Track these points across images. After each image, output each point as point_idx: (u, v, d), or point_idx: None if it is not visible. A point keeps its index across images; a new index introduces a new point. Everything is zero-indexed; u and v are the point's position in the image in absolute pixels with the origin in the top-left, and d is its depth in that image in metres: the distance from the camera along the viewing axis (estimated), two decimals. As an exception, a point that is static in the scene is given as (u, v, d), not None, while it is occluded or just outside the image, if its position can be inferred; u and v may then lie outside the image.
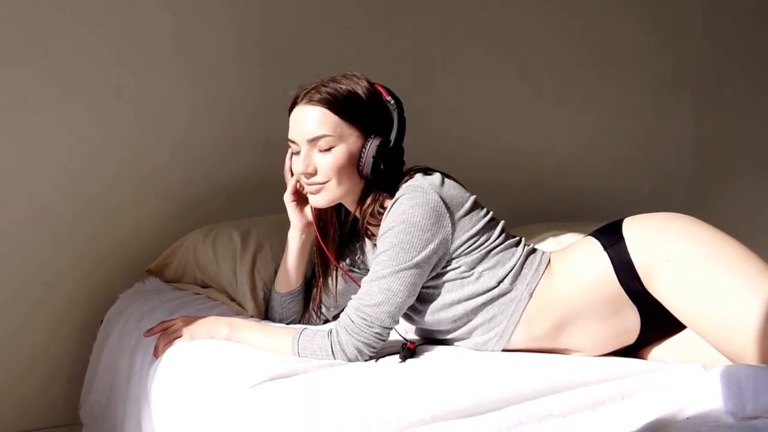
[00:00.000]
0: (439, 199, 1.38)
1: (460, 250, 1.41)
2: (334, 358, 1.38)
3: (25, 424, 2.03)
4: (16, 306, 2.00)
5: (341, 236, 1.62)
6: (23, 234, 1.98)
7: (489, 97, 2.55)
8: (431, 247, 1.38)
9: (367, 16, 2.35)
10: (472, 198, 1.46)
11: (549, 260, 1.46)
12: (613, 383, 1.23)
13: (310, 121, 1.45)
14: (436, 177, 1.44)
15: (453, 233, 1.40)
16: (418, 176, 1.44)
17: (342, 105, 1.44)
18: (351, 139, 1.45)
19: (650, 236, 1.36)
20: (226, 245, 1.84)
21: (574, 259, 1.43)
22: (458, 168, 2.39)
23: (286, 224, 1.66)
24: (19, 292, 2.00)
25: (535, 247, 1.53)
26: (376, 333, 1.37)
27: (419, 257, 1.37)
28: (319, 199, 1.50)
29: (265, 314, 1.73)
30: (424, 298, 1.44)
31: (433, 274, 1.42)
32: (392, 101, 1.49)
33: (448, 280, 1.43)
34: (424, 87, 2.41)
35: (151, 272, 2.01)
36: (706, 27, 2.96)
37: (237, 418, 1.22)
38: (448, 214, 1.39)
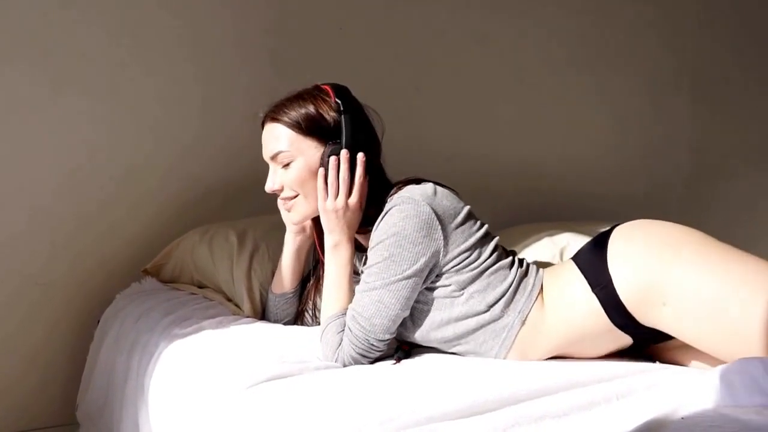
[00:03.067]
0: (431, 211, 1.36)
1: (450, 265, 1.39)
2: (333, 359, 1.38)
3: (23, 425, 2.03)
4: (13, 306, 2.00)
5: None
6: (20, 235, 1.98)
7: (485, 98, 2.55)
8: (423, 260, 1.36)
9: (363, 17, 2.35)
10: (466, 209, 1.43)
11: (542, 282, 1.42)
12: (609, 384, 1.23)
13: (268, 139, 1.49)
14: (429, 187, 1.41)
15: (445, 246, 1.37)
16: (410, 187, 1.41)
17: (295, 118, 1.44)
18: (309, 151, 1.45)
19: (641, 277, 1.30)
20: (222, 246, 1.84)
21: (563, 294, 1.39)
22: (454, 168, 2.41)
23: (282, 225, 1.66)
24: (16, 293, 2.00)
25: (529, 262, 1.49)
26: (372, 345, 1.37)
27: (410, 270, 1.35)
28: (293, 217, 1.53)
29: (262, 314, 1.73)
30: (413, 314, 1.42)
31: (423, 287, 1.40)
32: (339, 102, 1.45)
33: (437, 297, 1.40)
34: (421, 87, 2.42)
35: (147, 272, 2.01)
36: (703, 28, 2.97)
37: (234, 418, 1.23)
38: (440, 227, 1.36)
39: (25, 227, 1.99)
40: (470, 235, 1.40)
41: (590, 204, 2.66)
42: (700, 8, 2.94)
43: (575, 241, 1.99)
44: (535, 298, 1.39)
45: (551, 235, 2.03)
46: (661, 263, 1.30)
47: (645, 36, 2.83)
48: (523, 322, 1.38)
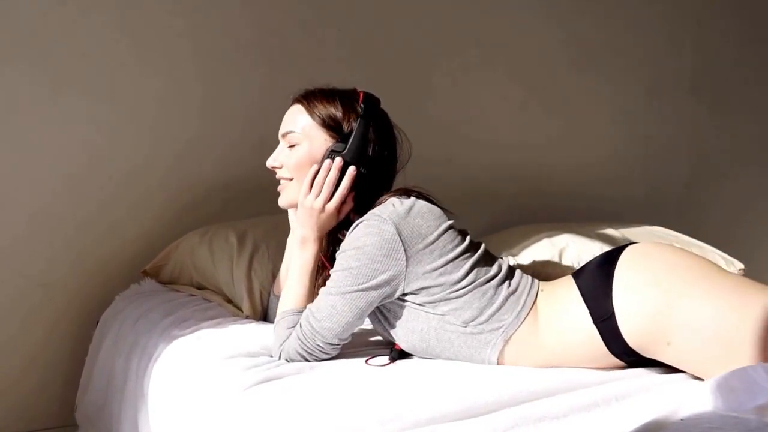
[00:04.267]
0: (395, 232, 1.33)
1: (418, 285, 1.36)
2: (276, 353, 1.40)
3: (22, 426, 2.02)
4: (13, 308, 2.00)
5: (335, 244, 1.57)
6: (20, 236, 1.98)
7: (484, 99, 2.55)
8: (382, 277, 1.34)
9: (362, 17, 2.35)
10: (444, 226, 1.39)
11: (536, 297, 1.39)
12: (608, 385, 1.23)
13: (287, 117, 1.51)
14: (406, 204, 1.38)
15: (408, 266, 1.35)
16: (389, 201, 1.40)
17: (319, 109, 1.46)
18: (317, 141, 1.46)
19: (646, 317, 1.27)
20: (222, 246, 1.84)
21: (560, 317, 1.35)
22: (454, 169, 2.42)
23: (282, 225, 1.66)
24: (16, 294, 1.99)
25: (522, 275, 1.43)
26: (318, 346, 1.37)
27: (366, 285, 1.34)
28: (280, 200, 1.54)
29: (264, 316, 1.73)
30: (392, 323, 1.42)
31: (395, 298, 1.38)
32: (362, 107, 1.46)
33: (413, 310, 1.38)
34: (419, 88, 2.42)
35: (146, 273, 2.00)
36: (703, 28, 2.97)
37: (233, 419, 1.23)
38: (402, 249, 1.34)
39: (24, 228, 1.98)
40: (442, 255, 1.36)
41: (590, 204, 2.66)
42: (700, 9, 2.95)
43: (575, 243, 2.00)
44: (524, 318, 1.35)
45: (550, 236, 2.04)
46: (667, 302, 1.26)
47: (645, 36, 2.83)
48: (507, 341, 1.35)
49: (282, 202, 1.54)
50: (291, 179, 1.50)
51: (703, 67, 2.98)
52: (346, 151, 1.44)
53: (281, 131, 1.51)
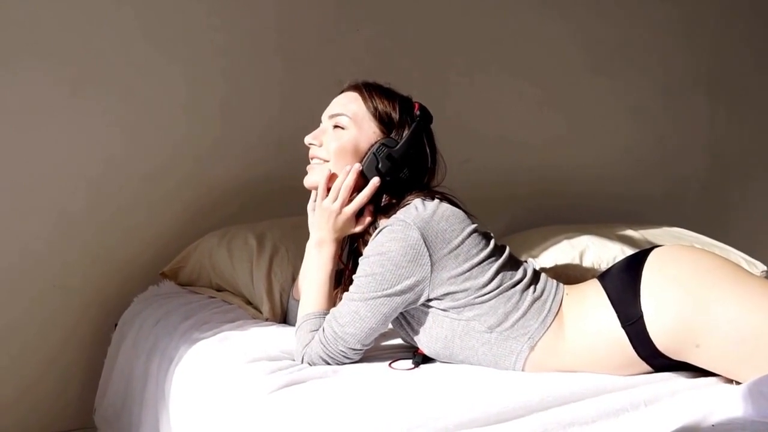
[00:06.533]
0: (419, 237, 1.32)
1: (443, 291, 1.34)
2: (299, 357, 1.39)
3: (40, 428, 2.03)
4: (31, 310, 2.00)
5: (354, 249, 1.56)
6: (38, 238, 1.98)
7: (500, 99, 2.54)
8: (406, 283, 1.33)
9: (379, 18, 2.34)
10: (468, 230, 1.37)
11: (561, 302, 1.37)
12: (635, 390, 1.22)
13: (340, 100, 1.49)
14: (431, 207, 1.36)
15: (433, 272, 1.33)
16: (413, 204, 1.38)
17: (374, 97, 1.46)
18: (366, 132, 1.45)
19: (674, 319, 1.26)
20: (241, 248, 1.84)
21: (587, 322, 1.33)
22: (470, 170, 2.41)
23: (301, 227, 1.65)
24: (35, 296, 2.00)
25: (547, 279, 1.42)
26: (341, 351, 1.36)
27: (391, 290, 1.33)
28: (307, 178, 1.51)
29: (283, 318, 1.72)
30: (416, 329, 1.40)
31: (419, 304, 1.37)
32: (417, 115, 1.47)
33: (437, 315, 1.37)
34: (436, 88, 2.41)
35: (165, 275, 2.00)
36: (719, 27, 2.95)
37: (256, 424, 1.22)
38: (427, 254, 1.32)
39: (43, 230, 1.99)
40: (467, 259, 1.34)
41: (608, 205, 2.65)
42: (717, 9, 2.93)
43: (594, 244, 1.98)
44: (549, 323, 1.34)
45: (570, 238, 2.02)
46: (695, 304, 1.25)
47: (662, 36, 2.82)
48: (533, 348, 1.33)
49: (308, 181, 1.51)
50: (326, 161, 1.47)
51: (721, 67, 2.96)
52: (397, 147, 1.43)
53: (329, 112, 1.49)
